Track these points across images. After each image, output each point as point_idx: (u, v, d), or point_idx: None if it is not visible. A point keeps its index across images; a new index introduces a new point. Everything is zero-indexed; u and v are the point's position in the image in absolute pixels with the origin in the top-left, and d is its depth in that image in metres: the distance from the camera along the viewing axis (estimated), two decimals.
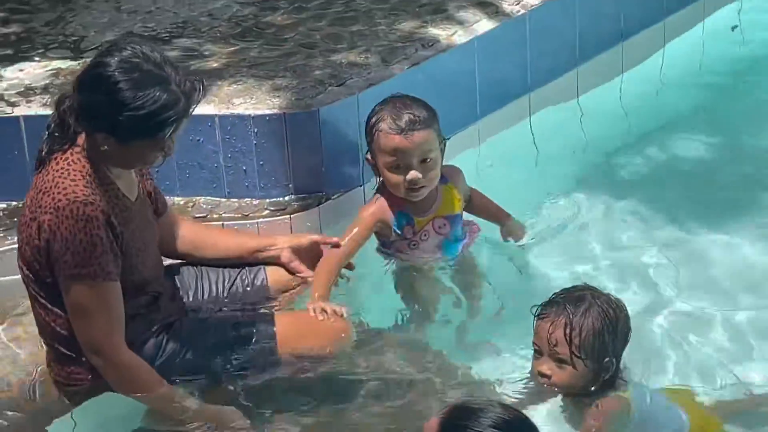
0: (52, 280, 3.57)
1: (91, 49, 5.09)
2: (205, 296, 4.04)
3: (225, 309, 4.04)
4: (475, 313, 4.35)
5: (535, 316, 3.62)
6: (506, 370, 3.95)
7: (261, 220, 4.55)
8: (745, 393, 3.87)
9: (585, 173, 5.23)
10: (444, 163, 4.19)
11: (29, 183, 3.63)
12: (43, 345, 3.80)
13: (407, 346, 4.08)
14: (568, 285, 3.79)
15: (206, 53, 5.08)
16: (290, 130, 4.58)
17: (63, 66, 5.00)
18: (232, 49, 5.12)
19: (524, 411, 3.46)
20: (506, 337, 4.15)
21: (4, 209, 4.62)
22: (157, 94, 3.43)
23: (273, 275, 4.13)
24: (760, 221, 4.83)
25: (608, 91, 5.69)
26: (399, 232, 4.16)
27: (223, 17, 5.45)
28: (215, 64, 4.97)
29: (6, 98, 4.77)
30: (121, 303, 3.59)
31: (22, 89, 4.84)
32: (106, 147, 3.51)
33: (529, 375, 3.74)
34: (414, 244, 4.20)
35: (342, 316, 3.90)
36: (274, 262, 4.13)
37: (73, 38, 5.29)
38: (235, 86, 4.76)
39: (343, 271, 4.15)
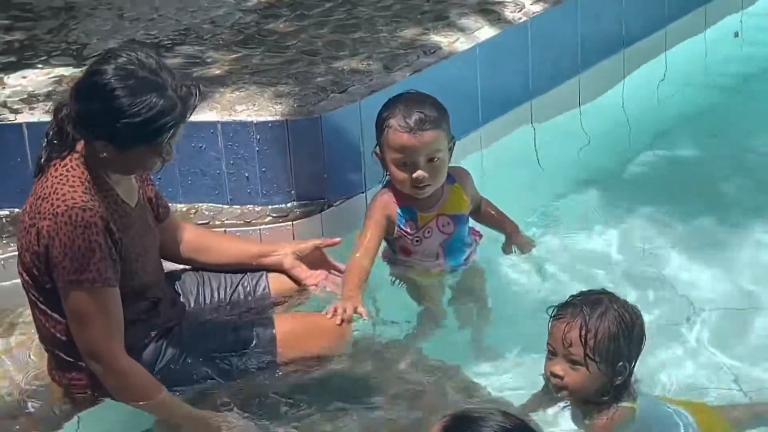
0: (52, 286, 3.57)
1: (94, 56, 5.08)
2: (207, 302, 4.04)
3: (227, 316, 4.04)
4: (480, 321, 4.35)
5: (550, 317, 3.61)
6: (511, 378, 3.96)
7: (263, 226, 4.56)
8: (750, 398, 3.88)
9: (587, 180, 5.23)
10: (452, 165, 4.19)
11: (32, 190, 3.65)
12: (44, 351, 3.81)
13: (411, 352, 4.07)
14: (570, 293, 3.78)
15: (208, 60, 5.10)
16: (292, 137, 4.59)
17: (66, 73, 5.01)
18: (235, 56, 5.13)
19: (530, 419, 3.50)
20: (512, 343, 4.15)
21: (6, 216, 4.63)
22: (154, 100, 3.44)
23: (275, 282, 4.13)
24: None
25: (610, 98, 5.69)
26: (401, 225, 4.16)
27: (226, 24, 5.46)
28: (218, 71, 4.98)
29: (9, 105, 4.78)
30: (120, 309, 3.60)
31: (25, 96, 4.85)
32: (105, 154, 3.52)
33: (536, 385, 3.75)
34: (417, 241, 4.20)
35: (361, 316, 3.90)
36: (277, 268, 4.14)
37: (76, 46, 5.31)
38: (238, 93, 4.77)
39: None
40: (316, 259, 4.17)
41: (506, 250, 4.42)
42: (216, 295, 4.06)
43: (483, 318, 4.36)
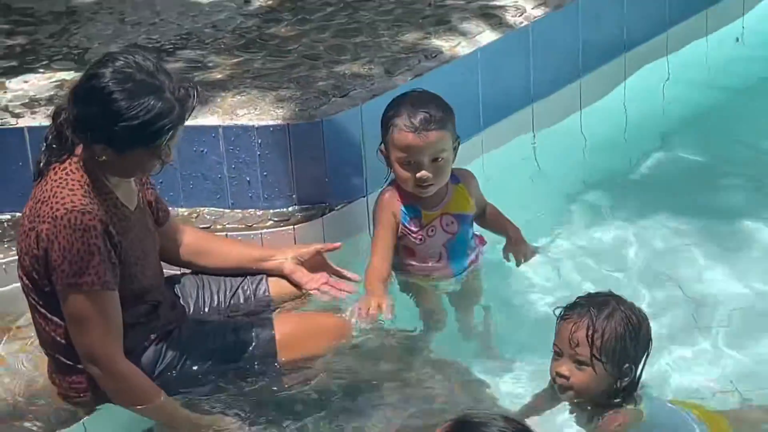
0: (51, 289, 3.58)
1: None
2: (207, 306, 4.04)
3: (226, 318, 4.05)
4: (480, 324, 4.35)
5: (557, 318, 3.62)
6: (515, 379, 3.96)
7: (265, 230, 4.56)
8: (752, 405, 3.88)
9: (588, 184, 5.24)
10: (456, 166, 4.20)
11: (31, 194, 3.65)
12: (45, 355, 3.81)
13: (412, 354, 4.08)
14: (574, 295, 3.78)
15: (210, 65, 5.10)
16: (294, 141, 4.59)
17: (67, 78, 5.02)
18: (236, 60, 5.13)
19: (535, 422, 3.49)
20: (515, 345, 4.17)
21: (8, 220, 4.63)
22: (152, 102, 3.44)
23: (275, 286, 4.13)
24: None
25: (611, 102, 5.69)
26: (405, 223, 4.17)
27: (227, 29, 5.46)
28: (219, 76, 4.98)
29: (10, 109, 4.79)
30: (119, 312, 3.60)
31: (27, 100, 4.86)
32: (104, 157, 3.52)
33: (538, 389, 3.75)
34: (421, 240, 4.20)
35: (384, 312, 3.93)
36: (277, 272, 4.14)
37: (78, 50, 5.31)
38: (239, 97, 4.77)
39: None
40: (316, 264, 4.17)
41: (506, 255, 4.41)
42: (216, 298, 4.06)
43: (484, 321, 4.35)
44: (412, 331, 4.16)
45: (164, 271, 3.96)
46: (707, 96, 5.93)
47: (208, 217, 4.64)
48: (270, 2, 5.72)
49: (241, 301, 4.08)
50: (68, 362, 3.69)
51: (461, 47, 5.14)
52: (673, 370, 4.05)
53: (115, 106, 3.44)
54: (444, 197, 4.20)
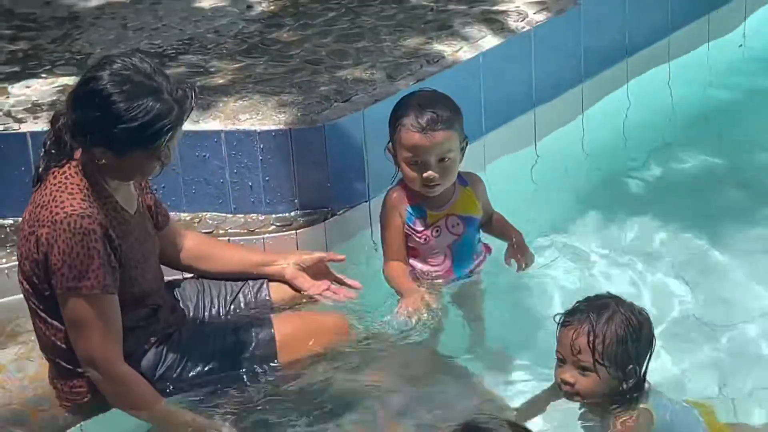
0: (51, 293, 3.58)
1: None
2: (207, 310, 4.04)
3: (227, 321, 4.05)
4: (482, 327, 4.36)
5: (558, 324, 3.61)
6: (521, 384, 3.96)
7: (267, 235, 4.56)
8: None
9: (590, 188, 5.24)
10: (461, 170, 4.20)
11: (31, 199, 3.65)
12: (45, 360, 3.81)
13: (415, 355, 4.07)
14: (576, 300, 3.78)
15: (212, 69, 5.10)
16: (296, 146, 4.60)
17: (69, 83, 5.01)
18: (238, 65, 5.14)
19: (541, 424, 3.49)
20: (519, 350, 4.17)
21: (10, 225, 4.63)
22: (150, 104, 3.45)
23: (276, 291, 4.13)
24: None
25: (613, 107, 5.69)
26: (410, 223, 4.17)
27: (229, 34, 5.47)
28: (221, 81, 4.98)
29: (13, 114, 4.80)
30: (119, 316, 3.60)
31: (29, 105, 4.86)
32: (104, 160, 3.53)
33: (545, 390, 3.75)
34: (425, 240, 4.20)
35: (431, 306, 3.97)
36: (278, 278, 4.14)
37: (80, 55, 5.32)
38: (241, 102, 4.77)
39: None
40: (318, 271, 4.17)
41: (508, 260, 4.41)
42: (216, 302, 4.06)
43: (488, 323, 4.35)
44: (414, 332, 4.16)
45: (165, 275, 3.96)
46: (709, 101, 5.93)
47: (211, 221, 4.64)
48: (272, 7, 5.72)
49: (242, 305, 4.07)
50: (69, 366, 3.69)
51: (463, 52, 5.14)
52: (680, 371, 4.05)
53: (114, 108, 3.44)
54: (450, 198, 4.21)
